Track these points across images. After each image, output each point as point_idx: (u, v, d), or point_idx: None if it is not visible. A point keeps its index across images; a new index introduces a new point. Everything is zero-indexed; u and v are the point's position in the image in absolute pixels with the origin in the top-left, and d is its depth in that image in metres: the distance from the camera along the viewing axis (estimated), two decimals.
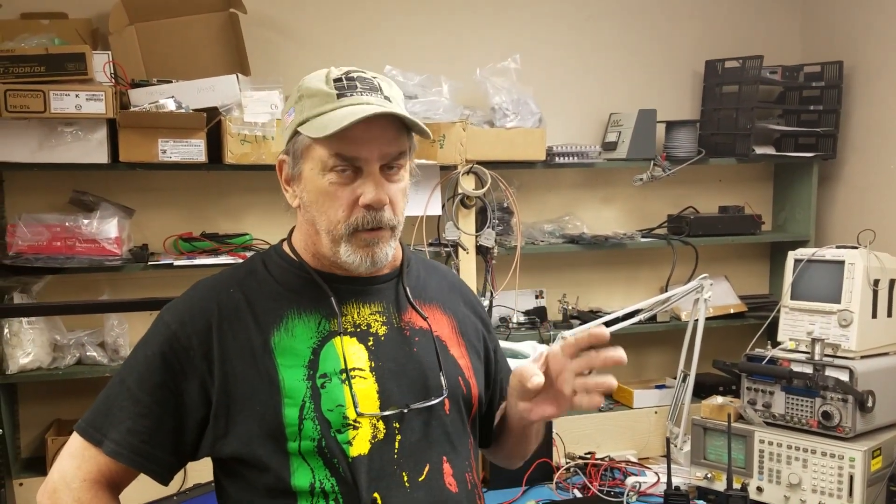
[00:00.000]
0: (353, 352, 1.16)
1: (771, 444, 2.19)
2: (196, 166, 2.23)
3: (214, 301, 1.17)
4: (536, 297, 2.90)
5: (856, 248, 2.33)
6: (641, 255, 2.97)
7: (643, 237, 2.85)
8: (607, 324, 2.55)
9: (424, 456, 1.16)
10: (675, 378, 2.67)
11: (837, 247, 2.37)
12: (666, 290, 2.67)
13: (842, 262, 2.29)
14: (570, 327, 2.68)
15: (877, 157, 2.83)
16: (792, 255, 2.42)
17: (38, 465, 2.26)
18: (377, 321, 1.20)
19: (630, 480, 2.38)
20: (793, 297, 2.38)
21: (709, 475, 2.30)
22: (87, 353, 2.26)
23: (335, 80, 1.16)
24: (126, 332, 2.29)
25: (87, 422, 1.17)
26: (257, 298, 1.18)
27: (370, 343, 1.18)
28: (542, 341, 2.57)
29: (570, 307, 2.83)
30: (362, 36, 2.64)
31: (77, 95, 2.07)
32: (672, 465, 2.35)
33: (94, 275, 2.29)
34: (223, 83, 2.22)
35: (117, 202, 2.32)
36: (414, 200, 2.40)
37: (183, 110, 2.17)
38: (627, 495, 2.22)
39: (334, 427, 1.12)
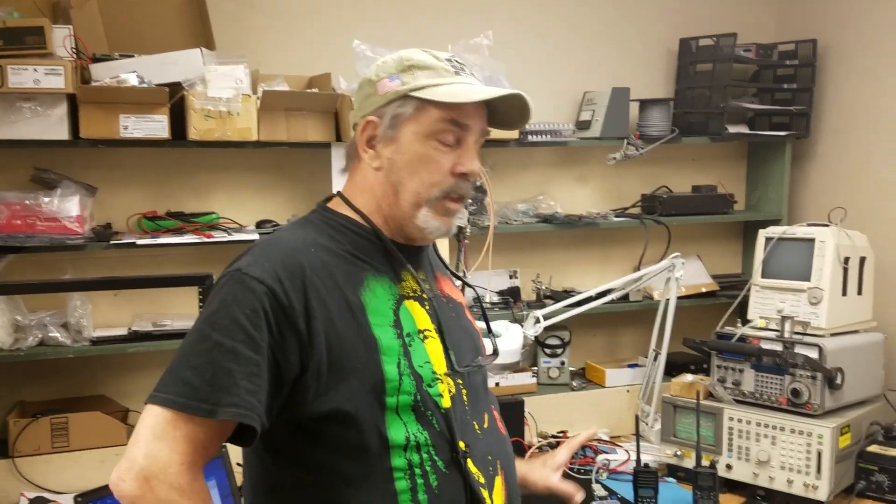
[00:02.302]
0: (419, 314, 1.23)
1: (740, 421, 2.19)
2: (160, 143, 2.17)
3: (300, 260, 1.16)
4: (510, 276, 2.89)
5: (827, 225, 2.32)
6: (615, 235, 2.96)
7: (616, 217, 2.84)
8: (581, 303, 2.54)
9: (482, 407, 1.28)
10: (647, 357, 2.67)
11: (808, 225, 2.37)
12: (639, 270, 2.66)
13: (812, 240, 2.29)
14: (543, 307, 2.67)
15: (850, 136, 2.83)
16: (763, 234, 2.41)
17: (0, 447, 2.22)
18: (426, 287, 1.27)
19: (600, 458, 2.38)
20: (763, 276, 2.38)
21: (678, 452, 2.30)
22: (50, 334, 2.20)
23: (446, 59, 1.25)
24: (89, 313, 2.25)
25: (182, 395, 1.07)
26: (336, 259, 1.20)
27: (427, 307, 1.25)
28: (514, 321, 2.55)
29: (543, 287, 2.82)
30: (330, 11, 2.60)
31: (35, 70, 2.02)
32: (643, 443, 2.35)
33: (55, 254, 2.24)
34: (187, 57, 2.17)
35: (79, 180, 2.26)
36: None
37: (145, 85, 2.12)
38: (597, 472, 2.21)
39: (426, 382, 1.19)
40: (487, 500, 1.22)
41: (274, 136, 2.22)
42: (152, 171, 2.40)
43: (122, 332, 2.27)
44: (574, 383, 2.82)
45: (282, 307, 1.11)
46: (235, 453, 2.00)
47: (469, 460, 1.20)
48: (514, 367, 2.72)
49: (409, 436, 1.16)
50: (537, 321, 2.48)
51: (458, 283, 1.42)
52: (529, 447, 2.47)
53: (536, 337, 2.77)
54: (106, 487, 1.72)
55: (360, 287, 1.19)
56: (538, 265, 2.87)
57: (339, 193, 1.30)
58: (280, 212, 2.47)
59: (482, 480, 1.22)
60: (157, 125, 2.13)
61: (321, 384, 1.13)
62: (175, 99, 2.16)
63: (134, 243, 2.18)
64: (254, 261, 1.15)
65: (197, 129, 2.14)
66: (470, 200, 2.62)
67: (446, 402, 1.20)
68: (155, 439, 1.07)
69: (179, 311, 2.35)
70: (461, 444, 1.20)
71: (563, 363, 2.82)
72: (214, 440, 1.11)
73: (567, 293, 2.75)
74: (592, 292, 2.57)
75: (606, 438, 2.63)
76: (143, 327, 2.28)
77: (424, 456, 1.17)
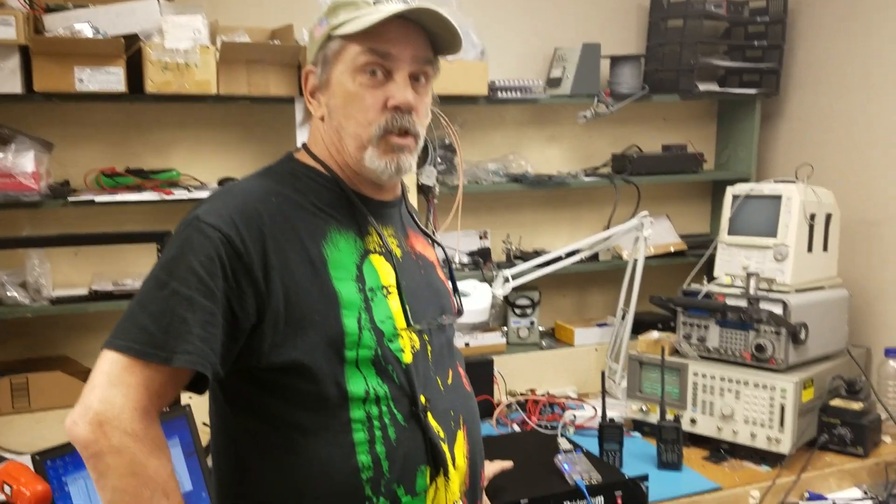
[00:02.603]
0: (384, 270, 1.22)
1: (704, 376, 2.20)
2: (117, 97, 2.12)
3: (259, 209, 1.14)
4: (481, 237, 2.87)
5: (793, 182, 2.32)
6: (585, 195, 2.95)
7: (587, 176, 2.82)
8: (549, 263, 2.53)
9: (446, 363, 1.29)
10: (616, 316, 2.67)
11: (775, 181, 2.37)
12: (608, 230, 2.66)
13: (779, 197, 2.29)
14: (514, 267, 2.66)
15: (818, 93, 2.83)
16: (730, 191, 2.41)
17: None
18: (393, 243, 1.26)
19: (567, 414, 2.39)
20: (730, 233, 2.38)
21: (644, 408, 2.31)
22: (8, 294, 2.16)
23: None
24: (48, 272, 2.20)
25: (138, 342, 1.06)
26: (298, 211, 1.18)
27: (395, 263, 1.24)
28: (483, 280, 2.55)
29: (513, 247, 2.81)
30: None
31: None
32: (610, 400, 2.36)
33: (11, 211, 2.18)
34: (143, 7, 2.10)
35: (35, 135, 2.20)
36: None
37: (100, 36, 2.05)
38: (563, 428, 2.22)
39: (387, 337, 1.18)
40: (447, 454, 1.22)
41: (234, 90, 2.17)
42: (111, 127, 2.34)
43: (83, 291, 2.23)
44: (543, 343, 2.83)
45: (238, 255, 1.10)
46: (200, 413, 1.99)
47: (430, 415, 1.20)
48: (483, 327, 2.72)
49: (368, 389, 1.16)
50: (506, 281, 2.48)
51: (433, 243, 1.41)
52: (498, 405, 2.48)
53: (506, 297, 2.77)
54: (65, 445, 1.70)
55: (322, 240, 1.17)
56: (508, 226, 2.85)
57: (304, 145, 1.28)
58: (243, 169, 2.42)
59: (442, 435, 1.22)
60: (113, 78, 2.07)
61: (278, 335, 1.12)
62: (132, 51, 2.10)
63: (92, 201, 2.13)
64: (211, 208, 1.13)
65: (154, 81, 2.08)
66: (439, 159, 2.60)
67: (407, 358, 1.20)
68: (110, 385, 1.05)
69: (140, 270, 2.30)
70: (422, 399, 1.20)
71: (532, 323, 2.82)
72: (169, 387, 1.10)
73: (537, 254, 2.74)
74: (561, 252, 2.57)
75: (574, 396, 2.65)
76: (104, 286, 2.24)
77: (384, 409, 1.17)
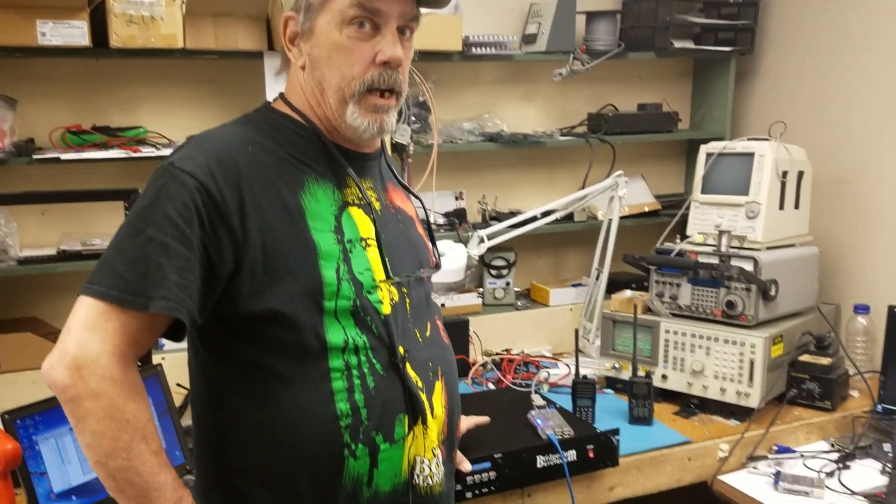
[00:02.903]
0: (363, 222, 1.21)
1: (676, 333, 2.22)
2: (81, 52, 2.06)
3: (236, 157, 1.13)
4: (456, 198, 2.86)
5: (766, 140, 2.33)
6: (561, 155, 2.94)
7: (563, 136, 2.81)
8: (524, 223, 2.53)
9: (425, 316, 1.30)
10: (590, 276, 2.68)
11: (748, 139, 2.37)
12: (583, 189, 2.65)
13: (752, 155, 2.29)
14: (489, 227, 2.65)
15: (793, 51, 2.82)
16: (704, 149, 2.41)
17: None
18: (372, 196, 1.26)
19: (541, 373, 2.41)
20: (703, 192, 2.38)
21: (616, 365, 2.34)
22: None
23: None
24: (15, 232, 2.16)
25: (115, 288, 1.06)
26: (275, 161, 1.17)
27: (373, 216, 1.23)
28: (458, 240, 2.54)
29: (489, 208, 2.80)
30: None
31: None
32: (584, 358, 2.38)
33: None
34: None
35: None
36: None
37: None
38: (536, 385, 2.24)
39: (365, 288, 1.18)
40: (425, 403, 1.24)
41: (201, 44, 2.12)
42: (76, 83, 2.28)
43: (51, 251, 2.20)
44: (519, 303, 2.83)
45: (214, 203, 1.09)
46: (172, 373, 1.98)
47: (408, 365, 1.22)
48: (459, 288, 2.71)
49: (347, 339, 1.16)
50: (481, 241, 2.47)
51: (412, 197, 1.42)
52: (474, 365, 2.49)
53: (482, 258, 2.77)
54: (36, 404, 1.69)
55: (299, 190, 1.16)
56: (484, 186, 2.84)
57: (281, 95, 1.27)
58: (212, 126, 2.37)
59: (420, 385, 1.24)
60: (76, 31, 2.02)
61: (255, 284, 1.12)
62: (95, 3, 2.04)
63: (58, 158, 2.09)
64: (187, 155, 1.12)
65: (118, 35, 2.03)
66: (413, 118, 2.57)
67: (386, 309, 1.21)
68: (87, 330, 1.05)
69: (108, 229, 2.26)
70: (400, 350, 1.21)
71: (508, 284, 2.83)
72: (147, 333, 1.10)
73: (513, 214, 2.73)
74: (537, 212, 2.56)
75: (549, 355, 2.66)
76: (72, 246, 2.20)
77: (363, 358, 1.18)
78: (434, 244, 1.41)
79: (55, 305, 2.34)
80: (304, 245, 1.14)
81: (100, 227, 2.30)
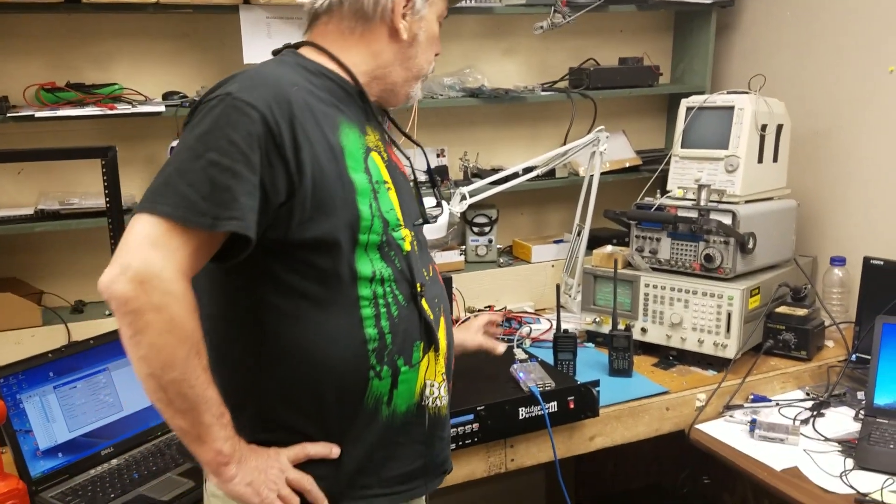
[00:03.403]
0: (382, 167, 1.30)
1: (655, 287, 2.25)
2: (54, 7, 2.02)
3: (288, 94, 1.19)
4: (438, 155, 2.85)
5: (746, 93, 2.33)
6: (543, 110, 2.93)
7: (544, 91, 2.80)
8: (506, 179, 2.53)
9: (427, 259, 1.41)
10: (572, 233, 2.70)
11: (728, 92, 2.37)
12: (565, 145, 2.65)
13: (731, 108, 2.29)
14: (471, 184, 2.65)
15: (773, 4, 2.80)
16: (685, 103, 2.40)
17: None
18: (381, 147, 1.34)
19: (524, 328, 2.44)
20: (683, 146, 2.39)
21: (597, 319, 2.36)
22: None
23: None
24: None
25: (179, 207, 1.09)
26: (316, 102, 1.24)
27: (386, 163, 1.32)
28: (441, 199, 2.53)
29: (471, 165, 2.80)
30: None
31: None
32: (566, 314, 2.41)
33: None
34: None
35: None
36: None
37: None
38: (518, 339, 2.26)
39: (391, 226, 1.28)
40: (438, 334, 1.35)
41: None
42: (50, 40, 2.24)
43: (28, 211, 2.18)
44: (501, 260, 2.85)
45: (272, 135, 1.15)
46: None
47: (423, 299, 1.32)
48: (442, 246, 2.72)
49: (374, 271, 1.25)
50: (463, 198, 2.47)
51: (403, 156, 1.49)
52: (457, 321, 2.51)
53: (464, 216, 2.77)
54: (20, 363, 1.69)
55: (337, 130, 1.24)
56: (466, 143, 2.83)
57: (310, 42, 1.33)
58: (188, 83, 2.35)
59: (432, 317, 1.34)
60: None
61: (304, 213, 1.18)
62: None
63: (32, 116, 2.05)
64: (243, 87, 1.16)
65: None
66: None
67: (407, 247, 1.31)
68: (151, 246, 1.08)
69: (87, 188, 2.26)
70: (418, 285, 1.31)
71: (490, 241, 2.84)
72: (205, 253, 1.14)
73: (495, 171, 2.73)
74: (518, 168, 2.56)
75: (531, 311, 2.69)
76: (51, 206, 2.18)
77: (388, 290, 1.27)
78: (420, 200, 1.46)
79: (34, 265, 2.33)
80: (344, 181, 1.22)
81: (77, 185, 2.28)
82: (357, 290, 1.24)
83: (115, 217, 1.95)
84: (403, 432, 1.31)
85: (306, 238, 1.19)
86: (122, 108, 2.13)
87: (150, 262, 1.07)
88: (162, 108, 2.17)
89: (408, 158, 1.49)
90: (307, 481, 1.24)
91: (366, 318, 1.24)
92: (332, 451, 1.26)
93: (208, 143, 1.12)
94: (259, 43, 2.19)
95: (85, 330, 2.09)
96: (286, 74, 1.24)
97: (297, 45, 1.35)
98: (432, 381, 1.34)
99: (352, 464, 1.28)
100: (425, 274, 1.37)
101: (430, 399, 1.34)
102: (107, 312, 2.25)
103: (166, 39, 2.35)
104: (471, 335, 1.89)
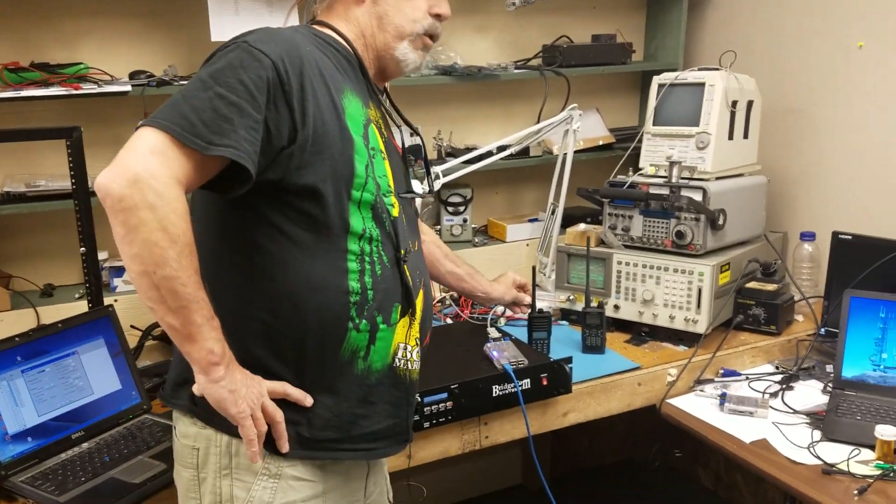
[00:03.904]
0: (378, 139, 1.34)
1: (628, 264, 2.26)
2: None
3: (300, 51, 1.25)
4: (411, 134, 2.83)
5: (717, 70, 2.33)
6: (516, 88, 2.92)
7: (517, 69, 2.78)
8: (479, 158, 2.52)
9: (414, 232, 1.45)
10: (546, 211, 2.70)
11: (699, 69, 2.38)
12: (538, 124, 2.64)
13: (702, 85, 2.30)
14: (445, 163, 2.64)
15: None
16: (656, 80, 2.41)
17: None
18: (381, 123, 1.39)
19: (498, 307, 2.44)
20: (655, 123, 2.39)
21: (571, 297, 2.38)
22: None
23: None
24: None
25: (180, 127, 1.13)
26: (324, 63, 1.29)
27: (383, 139, 1.37)
28: (414, 177, 2.52)
29: (445, 144, 2.79)
30: None
31: None
32: (540, 292, 2.41)
33: None
34: None
35: None
36: (268, 24, 2.23)
37: None
38: (493, 318, 2.27)
39: (382, 190, 1.32)
40: (416, 300, 1.40)
41: None
42: (12, 19, 2.19)
43: None
44: (476, 239, 2.85)
45: (282, 83, 1.20)
46: (125, 315, 1.97)
47: (406, 265, 1.37)
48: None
49: (365, 228, 1.30)
50: (436, 177, 2.46)
51: (397, 134, 1.52)
52: (433, 300, 2.51)
53: (439, 195, 2.77)
54: None
55: (341, 93, 1.29)
56: (440, 121, 2.82)
57: (321, 22, 1.39)
58: (155, 62, 2.31)
59: (411, 284, 1.39)
60: None
61: (303, 160, 1.22)
62: None
63: None
64: (259, 39, 1.22)
65: None
66: None
67: (395, 212, 1.36)
68: (150, 153, 1.12)
69: (53, 170, 2.22)
70: (402, 251, 1.36)
71: (465, 220, 2.84)
72: (201, 173, 1.17)
73: (469, 150, 2.72)
74: (492, 147, 2.56)
75: None
76: (16, 188, 2.15)
77: (374, 248, 1.32)
78: (408, 178, 1.51)
79: (1, 249, 2.29)
80: (344, 137, 1.27)
81: (44, 167, 2.24)
82: (346, 243, 1.28)
83: (82, 199, 1.92)
84: (375, 391, 1.36)
85: (301, 184, 1.23)
86: (87, 88, 2.09)
87: (147, 165, 1.11)
88: (128, 88, 2.14)
89: (418, 135, 1.58)
90: (279, 415, 1.27)
91: (351, 272, 1.29)
92: (307, 400, 1.30)
93: (218, 78, 1.17)
94: (226, 20, 2.16)
95: (54, 314, 2.07)
96: (300, 38, 1.29)
97: (308, 24, 1.41)
98: (405, 344, 1.39)
99: (324, 413, 1.32)
100: (411, 245, 1.41)
101: (403, 361, 1.39)
102: (76, 296, 2.23)
103: (133, 18, 2.31)
104: (504, 289, 2.12)
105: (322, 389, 1.31)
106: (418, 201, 2.43)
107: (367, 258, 1.31)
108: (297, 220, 1.25)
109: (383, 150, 1.36)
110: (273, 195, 1.24)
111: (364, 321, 1.31)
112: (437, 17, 1.41)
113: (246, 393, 1.23)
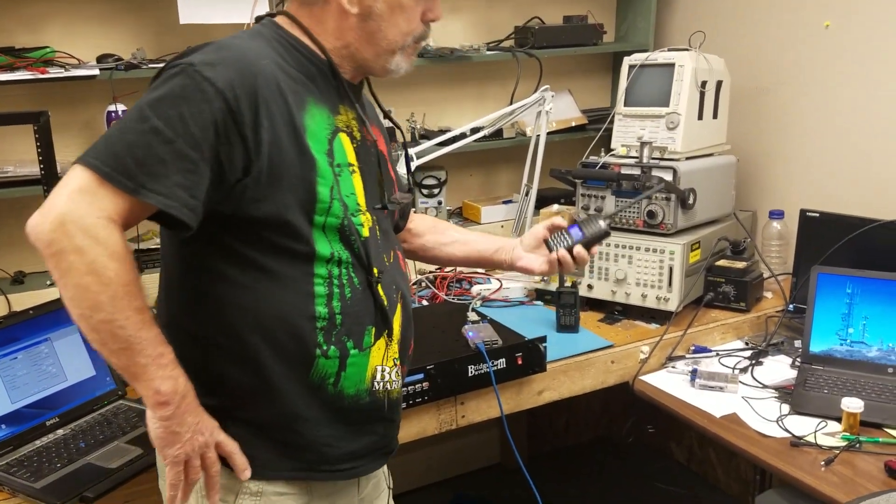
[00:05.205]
0: (349, 149, 1.28)
1: (600, 244, 2.28)
2: None
3: (254, 70, 1.17)
4: (384, 117, 2.82)
5: (687, 50, 2.36)
6: (489, 70, 2.92)
7: (489, 50, 2.79)
8: (453, 140, 2.53)
9: (390, 245, 1.39)
10: (520, 193, 2.71)
11: (669, 50, 2.40)
12: (511, 105, 2.65)
13: (672, 65, 2.32)
14: (418, 145, 2.64)
15: None
16: (627, 61, 2.42)
17: None
18: (355, 126, 1.31)
19: (476, 288, 2.46)
20: (626, 104, 2.41)
21: (545, 278, 2.40)
22: None
23: None
24: None
25: (109, 167, 1.09)
26: (285, 77, 1.22)
27: (356, 145, 1.30)
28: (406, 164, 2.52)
29: (418, 126, 2.79)
30: None
31: None
32: (514, 273, 2.42)
33: None
34: None
35: None
36: (236, 7, 2.22)
37: None
38: (473, 301, 2.28)
39: (350, 210, 1.26)
40: (392, 320, 1.35)
41: None
42: None
43: None
44: (451, 222, 2.85)
45: (231, 113, 1.14)
46: None
47: (379, 285, 1.32)
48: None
49: (333, 252, 1.25)
50: (410, 160, 2.46)
51: (379, 126, 1.46)
52: (409, 283, 2.51)
53: (413, 178, 2.77)
54: None
55: (302, 109, 1.22)
56: (413, 104, 2.81)
57: (288, 13, 1.30)
58: (124, 45, 2.28)
59: (387, 304, 1.33)
60: None
61: (259, 190, 1.18)
62: None
63: None
64: (208, 60, 1.15)
65: None
66: None
67: (365, 232, 1.30)
68: (78, 192, 1.08)
69: (20, 156, 2.19)
70: (374, 269, 1.31)
71: (440, 203, 2.84)
72: (134, 214, 1.13)
73: (442, 132, 2.73)
74: (466, 128, 2.56)
75: (482, 271, 2.71)
76: None
77: (344, 271, 1.27)
78: (410, 175, 1.52)
79: None
80: (306, 161, 1.21)
81: (10, 153, 2.21)
82: (313, 267, 1.24)
83: (51, 184, 1.90)
84: (349, 414, 1.32)
85: (258, 215, 1.19)
86: (54, 72, 2.07)
87: (73, 206, 1.08)
88: (96, 72, 2.11)
89: (398, 127, 1.52)
90: (214, 469, 1.23)
91: (318, 297, 1.24)
92: (244, 474, 1.25)
93: (157, 109, 1.11)
94: (194, 3, 2.14)
95: (26, 300, 2.05)
96: (259, 48, 1.22)
97: (278, 13, 1.31)
98: (383, 367, 1.34)
99: (297, 440, 1.28)
100: (385, 260, 1.36)
101: (381, 384, 1.35)
102: (48, 283, 2.20)
103: (100, 0, 2.28)
104: (520, 253, 1.70)
105: (292, 415, 1.27)
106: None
107: (335, 281, 1.26)
108: (258, 247, 1.22)
109: (353, 161, 1.29)
110: (232, 225, 1.20)
111: (332, 347, 1.26)
112: (431, 22, 1.34)
113: (190, 438, 1.19)
